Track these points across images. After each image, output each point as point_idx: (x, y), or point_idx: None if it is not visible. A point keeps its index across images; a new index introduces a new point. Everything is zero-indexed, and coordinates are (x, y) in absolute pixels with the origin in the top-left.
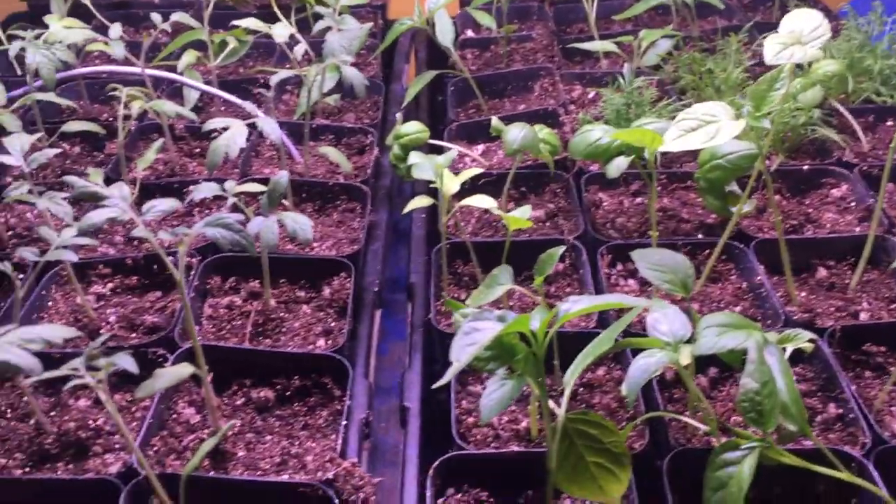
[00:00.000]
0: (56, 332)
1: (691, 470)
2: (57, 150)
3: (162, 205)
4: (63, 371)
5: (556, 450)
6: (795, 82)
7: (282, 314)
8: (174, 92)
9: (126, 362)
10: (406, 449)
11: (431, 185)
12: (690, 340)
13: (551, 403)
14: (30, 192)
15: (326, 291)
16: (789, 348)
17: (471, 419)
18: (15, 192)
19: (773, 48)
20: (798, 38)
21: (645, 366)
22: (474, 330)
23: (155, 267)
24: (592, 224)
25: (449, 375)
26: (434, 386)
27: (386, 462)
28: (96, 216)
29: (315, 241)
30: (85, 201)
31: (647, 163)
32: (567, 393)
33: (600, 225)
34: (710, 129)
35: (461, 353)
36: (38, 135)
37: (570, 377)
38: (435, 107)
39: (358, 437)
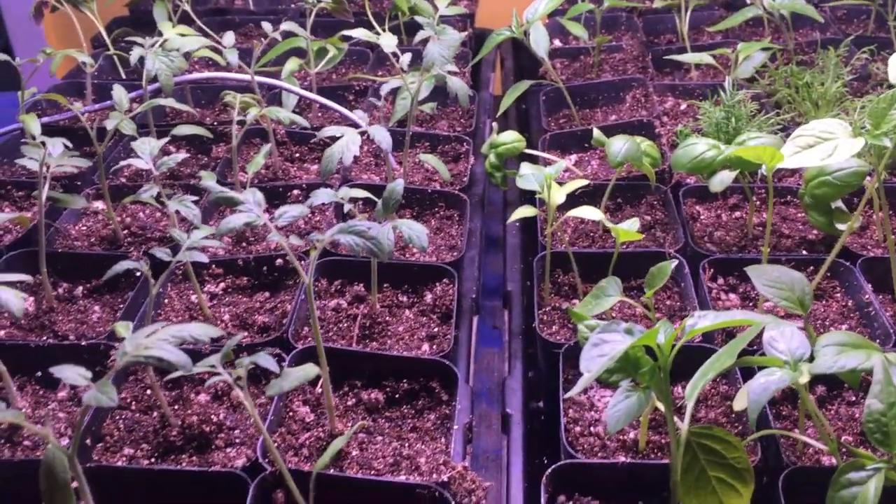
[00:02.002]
0: (204, 330)
1: (806, 488)
2: (183, 156)
3: (293, 211)
4: (205, 367)
5: (679, 462)
6: None
7: (387, 318)
8: (272, 98)
9: (267, 362)
10: (510, 455)
11: (538, 196)
12: (808, 359)
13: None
14: (158, 195)
15: (428, 297)
16: None
17: (577, 428)
18: (146, 195)
19: None
20: None
21: (766, 384)
22: (603, 342)
23: (264, 268)
24: (691, 237)
25: (580, 386)
26: (564, 396)
27: (481, 465)
28: (234, 220)
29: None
30: (221, 205)
31: (766, 179)
32: (690, 407)
33: (698, 238)
34: (828, 146)
35: (591, 364)
36: (165, 140)
37: (692, 391)
38: (520, 116)
39: (463, 442)
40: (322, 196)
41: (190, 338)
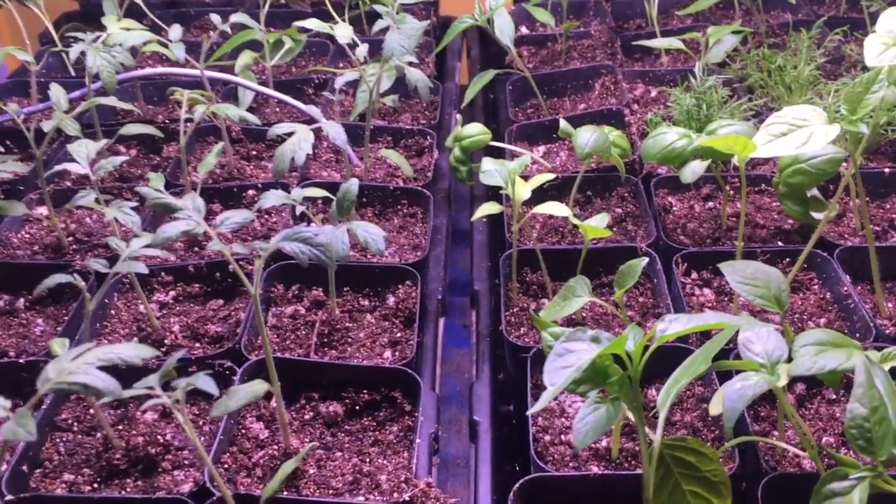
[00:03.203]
0: (135, 351)
1: (786, 495)
2: (123, 158)
3: (236, 216)
4: (140, 390)
5: (651, 477)
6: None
7: (347, 324)
8: (228, 93)
9: (205, 384)
10: (478, 465)
11: (501, 192)
12: (786, 359)
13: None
14: (97, 200)
15: (391, 300)
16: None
17: (547, 437)
18: (82, 200)
19: (874, 48)
20: None
21: (742, 390)
22: (567, 351)
23: (217, 275)
24: (664, 230)
25: (544, 401)
26: (528, 412)
27: (450, 473)
28: (171, 229)
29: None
30: (158, 212)
31: (739, 169)
32: (662, 417)
33: (671, 231)
34: (802, 133)
35: (556, 377)
36: (104, 142)
37: (665, 399)
38: (487, 106)
39: (428, 453)
40: (271, 198)
41: (119, 360)
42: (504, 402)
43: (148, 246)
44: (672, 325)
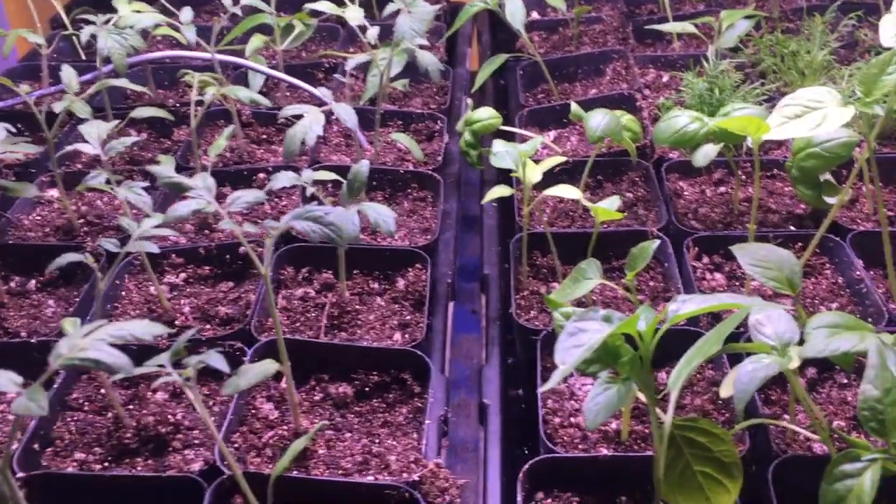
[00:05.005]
0: (147, 328)
1: (797, 478)
2: (135, 139)
3: (247, 196)
4: (151, 368)
5: (662, 457)
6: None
7: (356, 306)
8: (239, 77)
9: (216, 361)
10: (487, 447)
11: (514, 175)
12: (798, 342)
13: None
14: (108, 181)
15: (401, 283)
16: None
17: (556, 419)
18: (93, 181)
19: (890, 29)
20: None
21: (753, 373)
22: (579, 331)
23: (228, 257)
24: (675, 215)
25: (555, 379)
26: (539, 389)
27: (458, 457)
28: (182, 208)
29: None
30: (170, 191)
31: (752, 151)
32: (673, 398)
33: (682, 215)
34: (816, 115)
35: (567, 356)
36: (115, 122)
37: (676, 380)
38: (498, 91)
39: (437, 435)
40: (282, 180)
41: (131, 337)
42: (514, 387)
43: (159, 226)
44: (685, 305)
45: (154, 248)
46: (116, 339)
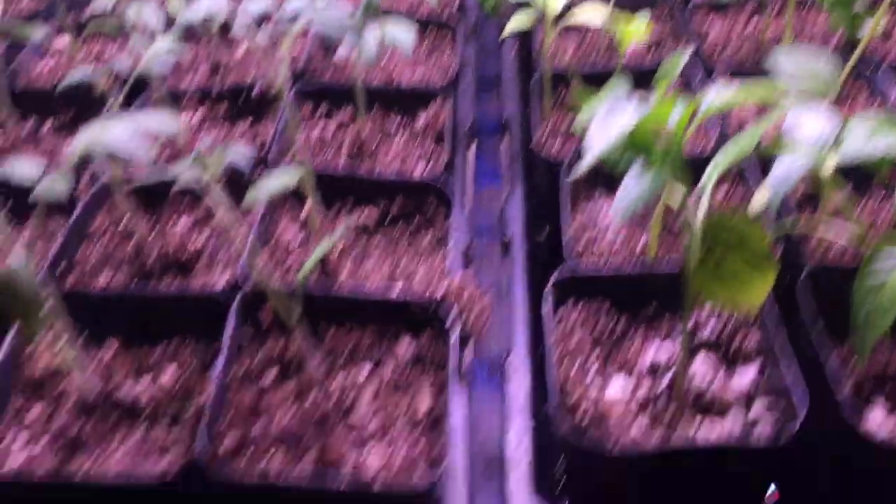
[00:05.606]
0: (166, 121)
1: (828, 287)
2: None
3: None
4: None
5: (696, 252)
6: None
7: (377, 142)
8: None
9: (237, 155)
10: (512, 278)
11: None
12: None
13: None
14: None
15: (421, 121)
16: None
17: (580, 247)
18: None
19: None
20: None
21: (788, 171)
22: (612, 114)
23: (240, 101)
24: (702, 54)
25: (589, 161)
26: (570, 178)
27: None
28: (192, 14)
29: (406, 70)
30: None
31: None
32: (708, 189)
33: (707, 56)
34: None
35: (599, 141)
36: None
37: (712, 173)
38: None
39: (462, 262)
40: (295, 2)
41: (149, 128)
42: (536, 223)
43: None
44: (720, 95)
45: (166, 68)
46: (134, 132)
